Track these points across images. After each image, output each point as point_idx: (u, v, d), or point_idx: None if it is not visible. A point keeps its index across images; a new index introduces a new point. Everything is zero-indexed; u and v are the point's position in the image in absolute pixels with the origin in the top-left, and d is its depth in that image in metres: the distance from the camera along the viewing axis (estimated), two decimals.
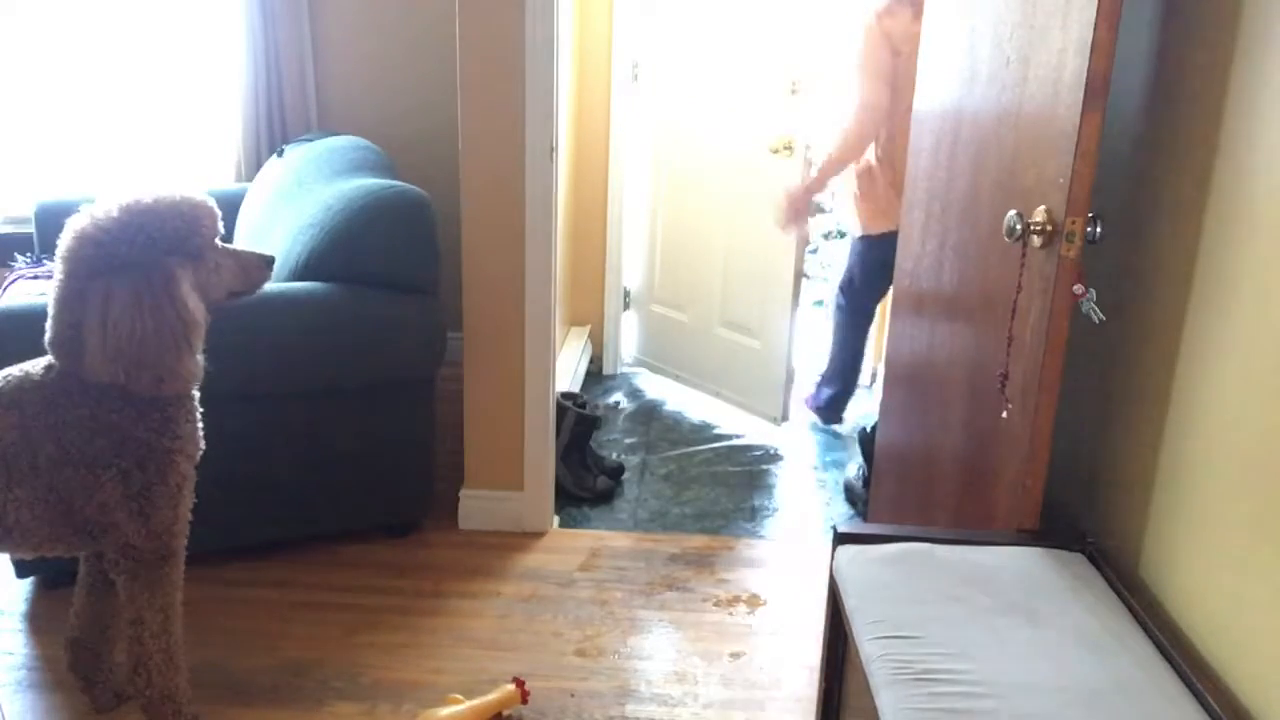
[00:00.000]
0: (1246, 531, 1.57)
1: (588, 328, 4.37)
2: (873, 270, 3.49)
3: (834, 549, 1.97)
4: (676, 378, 4.21)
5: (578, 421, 3.28)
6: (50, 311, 1.87)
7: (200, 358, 1.95)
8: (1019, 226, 1.88)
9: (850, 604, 1.81)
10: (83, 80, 4.09)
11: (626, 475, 3.43)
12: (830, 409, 3.85)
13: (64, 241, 1.86)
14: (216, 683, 2.35)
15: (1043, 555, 1.88)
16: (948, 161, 2.35)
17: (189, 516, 2.02)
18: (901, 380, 2.67)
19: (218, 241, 2.00)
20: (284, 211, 3.03)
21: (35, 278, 3.42)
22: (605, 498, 3.28)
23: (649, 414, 3.97)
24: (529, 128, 2.74)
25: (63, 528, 1.91)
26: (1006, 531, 1.97)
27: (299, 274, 2.71)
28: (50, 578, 2.68)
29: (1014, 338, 1.95)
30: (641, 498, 3.31)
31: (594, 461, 3.34)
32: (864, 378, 4.07)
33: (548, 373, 2.94)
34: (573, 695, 2.36)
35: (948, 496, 2.31)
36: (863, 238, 3.53)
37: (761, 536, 3.09)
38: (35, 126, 4.14)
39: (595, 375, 4.34)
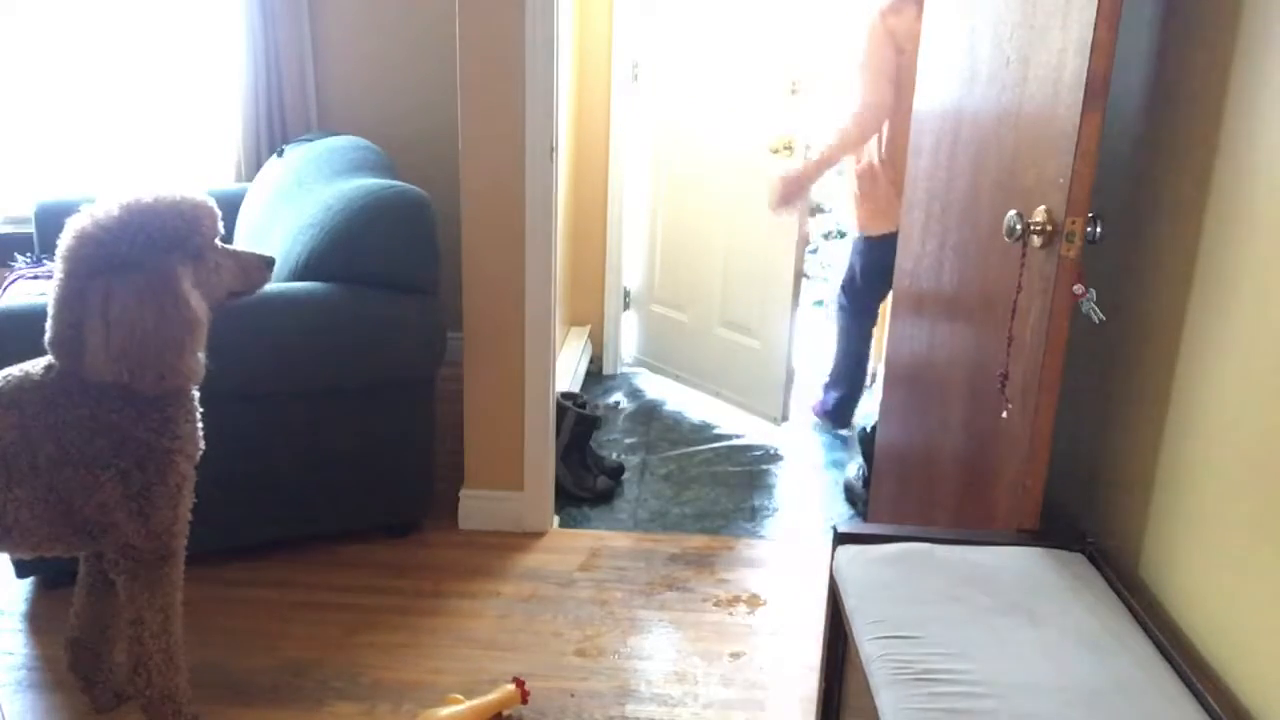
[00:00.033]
0: (1246, 531, 1.57)
1: (588, 328, 4.37)
2: (874, 271, 3.49)
3: (834, 549, 1.97)
4: (676, 378, 4.21)
5: (578, 421, 3.28)
6: (50, 311, 1.87)
7: (201, 356, 1.95)
8: (1019, 226, 1.88)
9: (850, 604, 1.81)
10: (83, 80, 4.09)
11: (626, 475, 3.43)
12: (839, 412, 3.82)
13: (64, 241, 1.86)
14: (216, 683, 2.35)
15: (1043, 555, 1.88)
16: (948, 161, 2.35)
17: (189, 516, 2.02)
18: (901, 380, 2.67)
19: (218, 242, 2.00)
20: (284, 211, 3.03)
21: (35, 278, 3.42)
22: (605, 498, 3.28)
23: (649, 414, 3.97)
24: (529, 128, 2.74)
25: (62, 528, 1.91)
26: (1006, 531, 1.97)
27: (299, 274, 2.71)
28: (50, 578, 2.68)
29: (1014, 338, 1.95)
30: (641, 498, 3.31)
31: (594, 461, 3.34)
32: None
33: (548, 373, 2.94)
34: (573, 695, 2.36)
35: (948, 496, 2.31)
36: (864, 238, 3.53)
37: (761, 536, 3.09)
38: (35, 126, 4.14)
39: (595, 375, 4.34)
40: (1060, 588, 1.79)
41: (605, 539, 3.03)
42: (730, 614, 2.68)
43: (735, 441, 3.75)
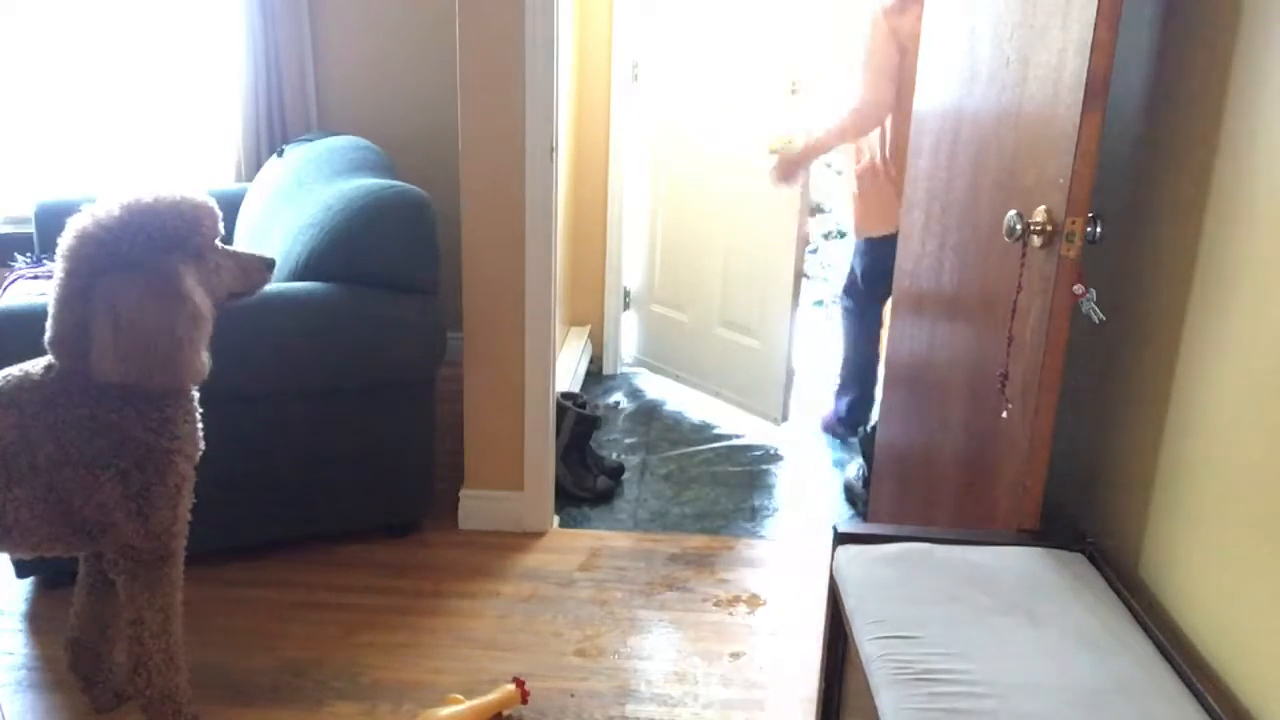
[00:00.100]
0: (1246, 531, 1.57)
1: (588, 328, 4.37)
2: (875, 273, 3.48)
3: (834, 549, 1.97)
4: (676, 378, 4.21)
5: (578, 421, 3.28)
6: (51, 311, 1.87)
7: (206, 354, 1.95)
8: (1019, 226, 1.88)
9: (850, 604, 1.81)
10: (83, 80, 4.09)
11: (626, 475, 3.43)
12: (851, 418, 3.72)
13: (65, 240, 1.86)
14: (216, 683, 2.35)
15: (1043, 555, 1.88)
16: (948, 161, 2.35)
17: (188, 517, 2.02)
18: (901, 380, 2.67)
19: (218, 243, 2.00)
20: (284, 211, 3.03)
21: (35, 278, 3.42)
22: (605, 498, 3.28)
23: (649, 414, 3.97)
24: (529, 128, 2.74)
25: (62, 528, 1.91)
26: (1006, 531, 1.97)
27: (299, 274, 2.71)
28: (50, 578, 2.68)
29: (1014, 338, 1.95)
30: (641, 498, 3.31)
31: (594, 461, 3.34)
32: None
33: (548, 373, 2.94)
34: (573, 695, 2.36)
35: (948, 496, 2.31)
36: (866, 239, 3.52)
37: (761, 536, 3.09)
38: (35, 126, 4.14)
39: (595, 375, 4.34)
40: (1060, 588, 1.79)
41: (605, 539, 3.03)
42: (730, 614, 2.68)
43: (735, 441, 3.75)
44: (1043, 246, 1.84)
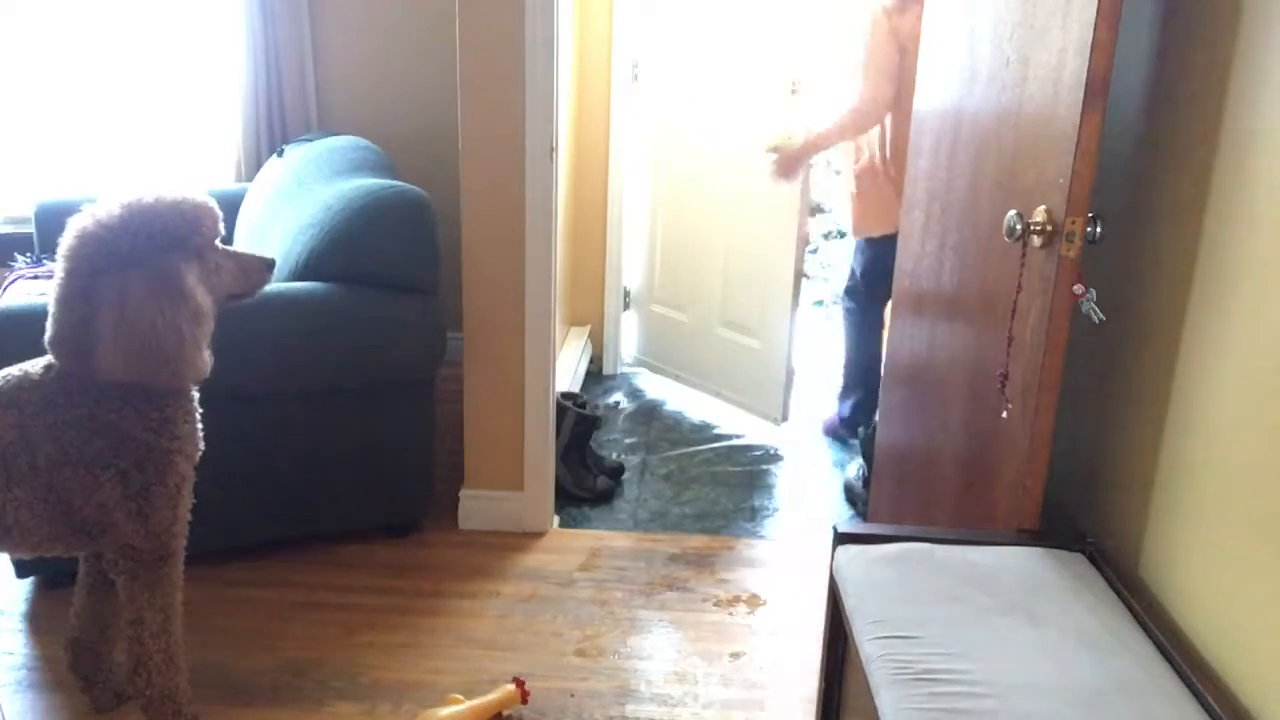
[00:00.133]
0: (1246, 531, 1.57)
1: (588, 328, 4.37)
2: (875, 273, 3.47)
3: (834, 549, 1.97)
4: (677, 378, 4.21)
5: (578, 421, 3.28)
6: (51, 310, 1.87)
7: (208, 353, 1.96)
8: (1019, 226, 1.88)
9: (850, 604, 1.81)
10: (83, 80, 4.09)
11: (626, 475, 3.43)
12: (854, 419, 3.67)
13: (66, 240, 1.86)
14: (216, 683, 2.35)
15: (1043, 555, 1.88)
16: (948, 161, 2.35)
17: (188, 517, 2.02)
18: (901, 380, 2.67)
19: (218, 243, 2.00)
20: (284, 211, 3.03)
21: (35, 278, 3.42)
22: (605, 498, 3.28)
23: (649, 414, 3.97)
24: (529, 128, 2.74)
25: (62, 528, 1.91)
26: (1006, 531, 1.97)
27: (299, 274, 2.71)
28: (50, 578, 2.68)
29: (1014, 338, 1.95)
30: (641, 498, 3.31)
31: (594, 461, 3.34)
32: None
33: (548, 373, 2.94)
34: (573, 695, 2.36)
35: (948, 497, 2.31)
36: (865, 240, 3.52)
37: (761, 536, 3.09)
38: (35, 126, 4.14)
39: (595, 375, 4.34)
40: (1060, 588, 1.79)
41: (605, 539, 3.03)
42: (730, 614, 2.68)
43: (735, 441, 3.75)
44: (1043, 246, 1.84)
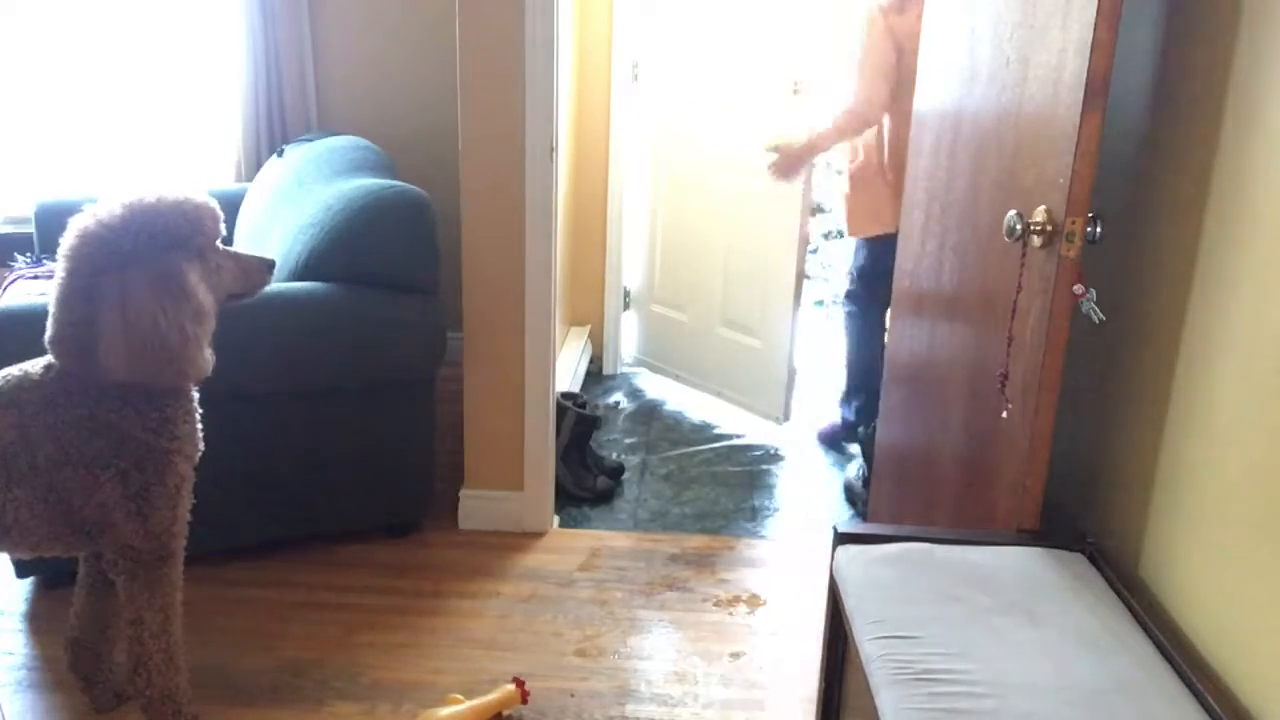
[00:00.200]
0: (1246, 531, 1.57)
1: (588, 328, 4.37)
2: (873, 274, 3.47)
3: (834, 549, 1.97)
4: (677, 378, 4.21)
5: (578, 421, 3.28)
6: (51, 310, 1.87)
7: (209, 352, 1.96)
8: (1019, 226, 1.88)
9: (850, 604, 1.81)
10: (83, 80, 4.09)
11: (626, 475, 3.43)
12: (858, 422, 3.60)
13: (67, 239, 1.86)
14: (216, 683, 2.35)
15: (1043, 555, 1.88)
16: (948, 161, 2.35)
17: (188, 517, 2.02)
18: (901, 380, 2.67)
19: (219, 244, 2.00)
20: (284, 211, 3.03)
21: (35, 278, 3.42)
22: (605, 498, 3.28)
23: (649, 414, 3.97)
24: (529, 128, 2.74)
25: (61, 527, 1.91)
26: (1006, 531, 1.97)
27: (299, 274, 2.71)
28: (50, 578, 2.68)
29: (1014, 338, 1.95)
30: (641, 498, 3.31)
31: (594, 461, 3.34)
32: None
33: (548, 373, 2.94)
34: (573, 695, 2.36)
35: (948, 496, 2.31)
36: (864, 241, 3.51)
37: (762, 536, 3.09)
38: (35, 126, 4.14)
39: (595, 375, 4.34)
40: (1060, 588, 1.79)
41: (605, 539, 3.03)
42: (730, 614, 2.68)
43: (735, 441, 3.75)
44: (1043, 246, 1.84)
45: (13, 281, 3.43)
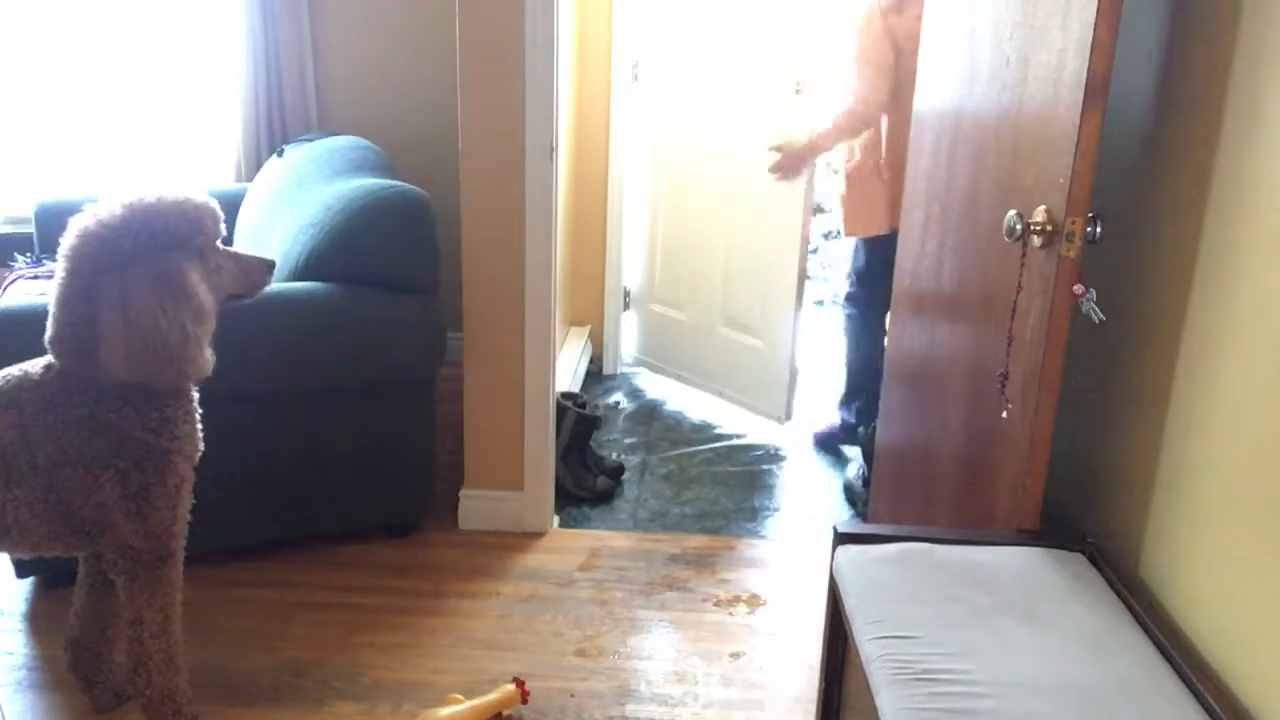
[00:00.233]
0: (1246, 531, 1.57)
1: (588, 328, 4.37)
2: (871, 273, 3.47)
3: (834, 549, 1.97)
4: (678, 377, 4.21)
5: (578, 421, 3.28)
6: (51, 310, 1.87)
7: (210, 351, 1.96)
8: (1019, 226, 1.88)
9: (850, 604, 1.81)
10: (83, 80, 4.09)
11: (626, 475, 3.43)
12: (857, 424, 3.58)
13: (67, 239, 1.86)
14: (216, 683, 2.35)
15: (1043, 555, 1.88)
16: (947, 161, 2.35)
17: (187, 517, 2.02)
18: (901, 380, 2.67)
19: (219, 244, 2.00)
20: (284, 211, 3.03)
21: (35, 278, 3.42)
22: (605, 498, 3.28)
23: (649, 414, 3.97)
24: (529, 128, 2.74)
25: (61, 527, 1.91)
26: (1006, 531, 1.97)
27: (299, 274, 2.71)
28: (50, 578, 2.68)
29: (1014, 338, 1.95)
30: (641, 498, 3.31)
31: (594, 461, 3.34)
32: None
33: (548, 373, 2.94)
34: (573, 695, 2.36)
35: (948, 496, 2.31)
36: (863, 241, 3.51)
37: (762, 536, 3.09)
38: (35, 126, 4.14)
39: (595, 375, 4.34)
40: (1060, 588, 1.79)
41: (605, 539, 3.03)
42: (730, 614, 2.68)
43: (736, 441, 3.75)
44: (1043, 246, 1.84)
45: (13, 281, 3.43)
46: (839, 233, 5.24)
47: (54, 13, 4.02)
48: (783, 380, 3.76)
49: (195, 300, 1.89)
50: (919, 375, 2.53)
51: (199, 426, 2.03)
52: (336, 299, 2.66)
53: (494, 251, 2.84)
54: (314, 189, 2.97)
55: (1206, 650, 1.66)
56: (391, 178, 2.97)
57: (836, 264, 5.22)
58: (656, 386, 4.23)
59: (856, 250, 3.54)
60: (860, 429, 3.48)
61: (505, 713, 2.28)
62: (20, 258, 3.61)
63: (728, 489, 3.39)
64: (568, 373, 3.90)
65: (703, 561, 2.92)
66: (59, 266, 1.87)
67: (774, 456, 3.63)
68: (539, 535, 3.03)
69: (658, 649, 2.53)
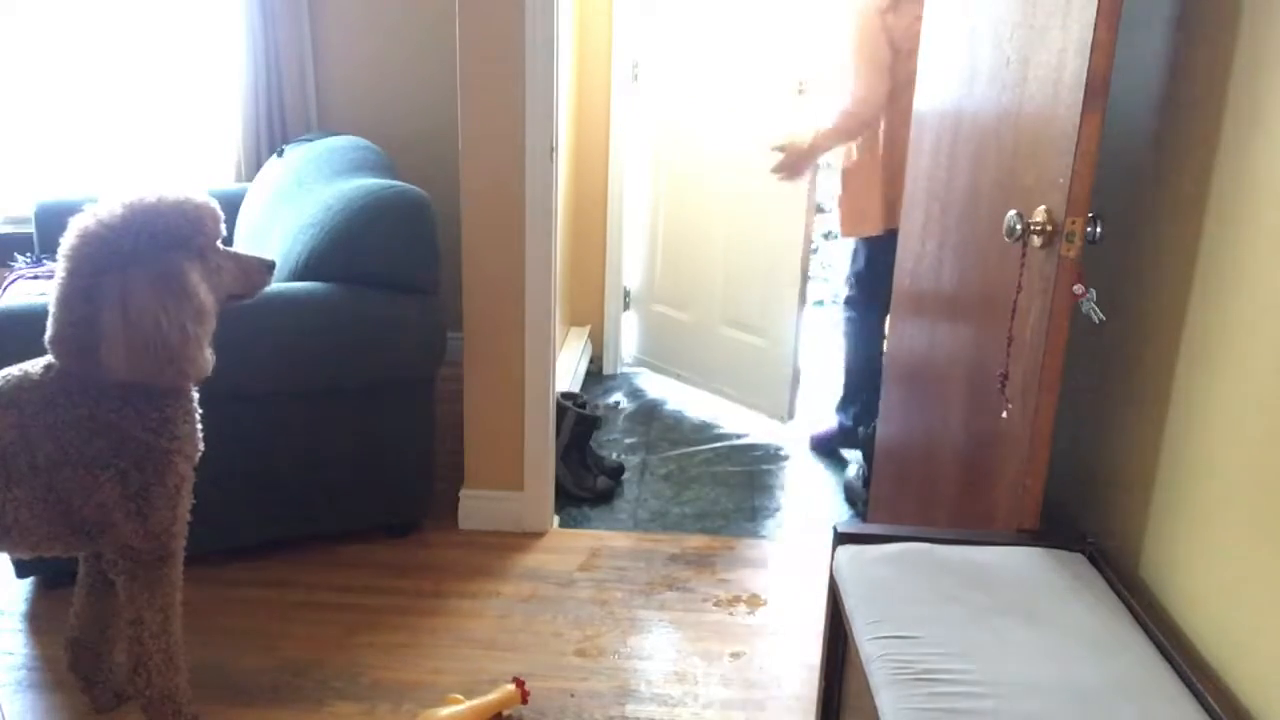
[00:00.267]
0: (1246, 531, 1.57)
1: (588, 328, 4.37)
2: (869, 273, 3.46)
3: (834, 549, 1.97)
4: (679, 377, 4.20)
5: (578, 421, 3.28)
6: (51, 310, 1.87)
7: (210, 351, 1.96)
8: (1019, 226, 1.88)
9: (850, 604, 1.81)
10: (83, 80, 4.09)
11: (626, 475, 3.43)
12: (854, 427, 3.55)
13: (68, 239, 1.86)
14: (216, 683, 2.35)
15: (1043, 555, 1.88)
16: (948, 161, 2.35)
17: (187, 517, 2.02)
18: (902, 380, 2.67)
19: (219, 244, 2.00)
20: (284, 211, 3.03)
21: (35, 278, 3.42)
22: (605, 498, 3.28)
23: (649, 414, 3.97)
24: (529, 128, 2.74)
25: (61, 528, 1.91)
26: (1006, 531, 1.97)
27: (299, 274, 2.71)
28: (50, 578, 2.68)
29: (1014, 338, 1.95)
30: (641, 498, 3.31)
31: (594, 461, 3.34)
32: None
33: (548, 373, 2.94)
34: (573, 695, 2.36)
35: (947, 496, 2.31)
36: (862, 241, 3.51)
37: (762, 536, 3.09)
38: (35, 126, 4.14)
39: (595, 375, 4.34)
40: (1060, 588, 1.79)
41: (605, 539, 3.03)
42: (730, 614, 2.68)
43: (736, 441, 3.75)
44: (1043, 246, 1.84)
45: (13, 281, 3.43)
46: (837, 233, 5.24)
47: (54, 13, 4.02)
48: (785, 379, 3.76)
49: (196, 300, 1.89)
50: (919, 375, 2.53)
51: (199, 426, 2.03)
52: (336, 299, 2.66)
53: (494, 251, 2.84)
54: (314, 189, 2.97)
55: (1206, 650, 1.66)
56: (391, 178, 2.97)
57: (836, 264, 5.22)
58: (657, 386, 4.23)
59: (855, 253, 3.54)
60: (860, 429, 3.48)
61: (505, 713, 2.28)
62: (20, 258, 3.61)
63: (728, 489, 3.39)
64: (568, 373, 3.90)
65: (703, 561, 2.92)
66: (59, 266, 1.87)
67: (774, 457, 3.63)
68: (539, 535, 3.03)
69: (658, 649, 2.53)
